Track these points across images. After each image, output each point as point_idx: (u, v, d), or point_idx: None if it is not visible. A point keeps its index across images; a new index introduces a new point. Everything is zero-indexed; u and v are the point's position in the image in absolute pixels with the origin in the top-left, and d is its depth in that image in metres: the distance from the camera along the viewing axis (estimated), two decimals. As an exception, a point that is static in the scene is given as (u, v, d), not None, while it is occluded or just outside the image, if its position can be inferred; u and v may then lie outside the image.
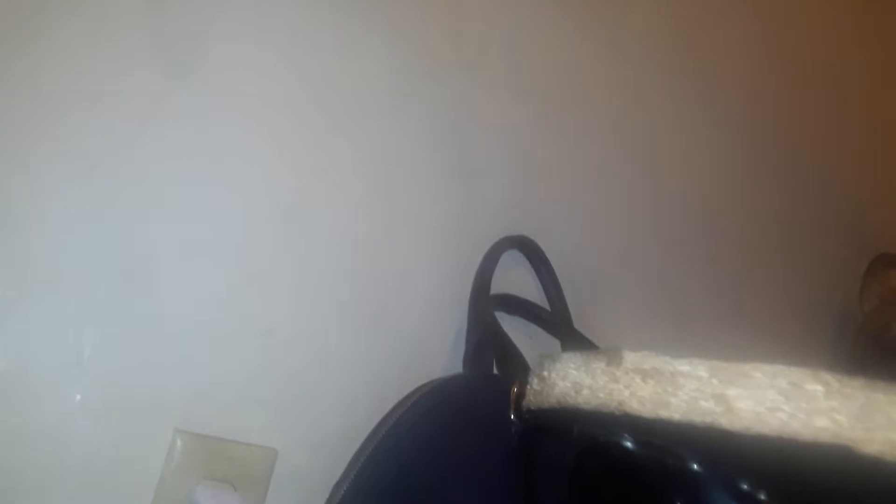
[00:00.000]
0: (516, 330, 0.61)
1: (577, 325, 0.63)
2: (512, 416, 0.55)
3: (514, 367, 0.59)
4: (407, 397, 0.55)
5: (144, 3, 0.51)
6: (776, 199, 0.82)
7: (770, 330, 0.66)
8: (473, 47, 0.65)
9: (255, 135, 0.55)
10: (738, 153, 0.80)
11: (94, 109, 0.49)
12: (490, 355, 0.60)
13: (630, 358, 0.30)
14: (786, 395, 0.27)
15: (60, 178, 0.48)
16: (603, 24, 0.72)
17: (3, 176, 0.46)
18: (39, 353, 0.46)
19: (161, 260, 0.50)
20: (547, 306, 0.63)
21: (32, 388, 0.46)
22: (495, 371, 0.60)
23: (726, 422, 0.28)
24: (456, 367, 0.60)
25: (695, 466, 0.36)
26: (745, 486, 0.35)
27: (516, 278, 0.64)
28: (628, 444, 0.36)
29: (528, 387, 0.35)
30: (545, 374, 0.33)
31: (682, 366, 0.29)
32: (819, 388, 0.27)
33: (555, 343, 0.62)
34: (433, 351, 0.60)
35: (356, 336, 0.57)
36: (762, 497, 0.34)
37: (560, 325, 0.62)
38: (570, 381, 0.31)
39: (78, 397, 0.47)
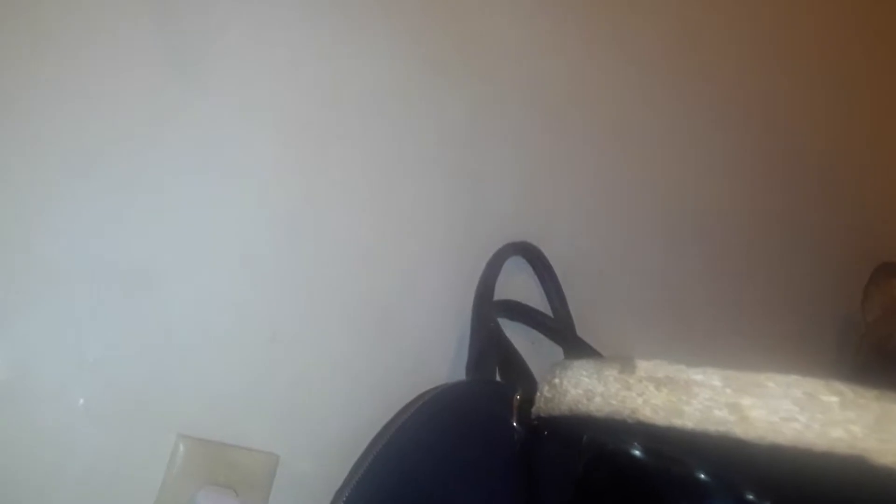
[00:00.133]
0: (519, 336, 0.61)
1: (580, 331, 0.63)
2: (514, 423, 0.55)
3: (517, 373, 0.59)
4: (409, 404, 0.55)
5: (151, 6, 0.51)
6: (780, 206, 0.82)
7: (773, 338, 0.66)
8: (479, 53, 0.65)
9: (261, 139, 0.55)
10: (743, 160, 0.80)
11: (98, 112, 0.49)
12: (493, 362, 0.60)
13: (643, 366, 0.30)
14: (800, 405, 0.27)
15: (64, 180, 0.48)
16: (607, 29, 0.73)
17: (6, 177, 0.46)
18: (43, 357, 0.46)
19: (165, 264, 0.50)
20: (550, 313, 0.63)
21: (35, 392, 0.46)
22: (498, 378, 0.59)
23: (740, 431, 0.28)
24: (459, 373, 0.60)
25: (702, 476, 0.36)
26: (751, 497, 0.35)
27: (520, 284, 0.64)
28: (637, 453, 0.36)
29: (539, 394, 0.35)
30: (556, 381, 0.33)
31: (696, 374, 0.29)
32: (834, 398, 0.27)
33: (557, 350, 0.62)
34: (436, 357, 0.60)
35: (359, 342, 0.57)
36: (768, 505, 0.34)
37: (563, 331, 0.62)
38: (582, 389, 0.31)
39: (81, 401, 0.47)
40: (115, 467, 0.47)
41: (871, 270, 0.74)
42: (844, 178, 0.87)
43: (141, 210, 0.50)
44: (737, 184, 0.79)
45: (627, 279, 0.70)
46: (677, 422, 0.29)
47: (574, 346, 0.61)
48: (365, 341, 0.57)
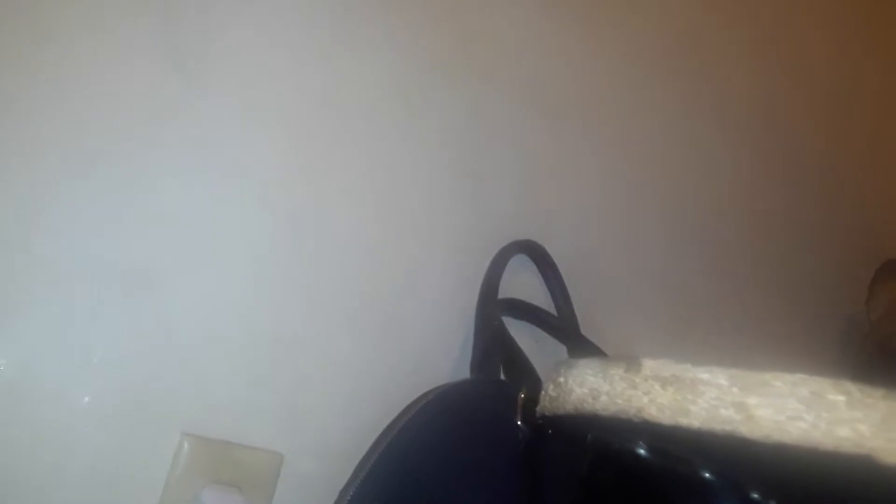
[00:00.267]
0: (523, 335, 0.61)
1: (583, 330, 0.62)
2: (519, 422, 0.55)
3: (521, 372, 0.59)
4: (413, 403, 0.55)
5: (151, 6, 0.51)
6: (784, 206, 0.82)
7: (777, 337, 0.65)
8: (480, 53, 0.65)
9: (262, 138, 0.55)
10: (746, 161, 0.80)
11: (98, 112, 0.49)
12: (497, 360, 0.60)
13: (649, 365, 0.30)
14: (807, 404, 0.27)
15: (64, 180, 0.48)
16: (607, 29, 0.72)
17: (6, 177, 0.46)
18: (46, 357, 0.46)
19: (167, 264, 0.50)
20: (554, 311, 0.63)
21: (39, 391, 0.46)
22: (502, 376, 0.59)
23: (746, 430, 0.28)
24: (463, 372, 0.60)
25: (707, 475, 0.36)
26: (756, 496, 0.35)
27: (524, 283, 0.64)
28: (642, 452, 0.36)
29: (544, 392, 0.35)
30: (561, 380, 0.33)
31: (703, 373, 0.29)
32: (841, 397, 0.27)
33: (561, 348, 0.62)
34: (440, 356, 0.60)
35: (362, 341, 0.57)
36: None
37: (567, 330, 0.62)
38: (588, 388, 0.31)
39: (86, 400, 0.47)
40: (119, 466, 0.47)
41: (875, 269, 0.74)
42: (845, 177, 0.87)
43: (142, 210, 0.50)
44: (738, 183, 0.79)
45: (630, 278, 0.70)
46: (683, 421, 0.28)
47: (578, 344, 0.61)
48: (368, 340, 0.57)
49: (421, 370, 0.59)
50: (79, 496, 0.46)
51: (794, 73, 0.86)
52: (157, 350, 0.49)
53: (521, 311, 0.62)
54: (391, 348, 0.58)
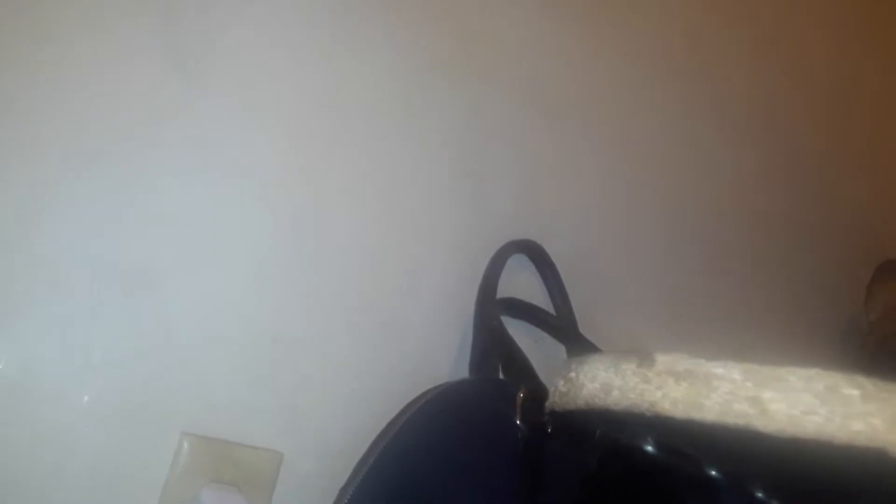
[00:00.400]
0: (522, 334, 0.61)
1: (582, 329, 0.63)
2: (518, 421, 0.55)
3: (520, 371, 0.59)
4: (412, 402, 0.55)
5: (151, 5, 0.51)
6: (782, 205, 0.82)
7: (776, 337, 0.66)
8: (479, 52, 0.65)
9: (262, 138, 0.54)
10: (744, 160, 0.81)
11: (98, 112, 0.49)
12: (495, 360, 0.60)
13: (662, 360, 0.30)
14: (821, 398, 0.27)
15: (64, 180, 0.47)
16: (607, 29, 0.73)
17: (6, 177, 0.46)
18: (45, 357, 0.46)
19: (167, 263, 0.50)
20: (552, 311, 0.63)
21: (39, 391, 0.46)
22: (501, 376, 0.59)
23: (760, 424, 0.28)
24: (462, 371, 0.60)
25: (713, 472, 0.36)
26: (760, 495, 0.35)
27: (522, 282, 0.64)
28: (649, 448, 0.36)
29: (553, 388, 0.35)
30: (572, 375, 0.33)
31: (717, 368, 0.29)
32: (855, 392, 0.27)
33: (560, 348, 0.62)
34: (439, 356, 0.60)
35: (362, 340, 0.57)
36: (775, 504, 0.35)
37: (565, 329, 0.62)
38: (599, 383, 0.31)
39: (86, 399, 0.46)
40: (119, 465, 0.47)
41: (874, 269, 0.74)
42: (845, 177, 0.88)
43: (142, 209, 0.50)
44: (738, 183, 0.80)
45: (629, 277, 0.70)
46: (696, 415, 0.29)
47: (577, 343, 0.61)
48: (367, 340, 0.57)
49: (420, 370, 0.59)
50: (79, 495, 0.45)
51: (794, 73, 0.86)
52: (156, 349, 0.49)
53: (520, 310, 0.62)
54: (390, 348, 0.58)
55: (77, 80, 0.48)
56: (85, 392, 0.47)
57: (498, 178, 0.64)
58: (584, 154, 0.70)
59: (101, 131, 0.48)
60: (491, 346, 0.60)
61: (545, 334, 0.63)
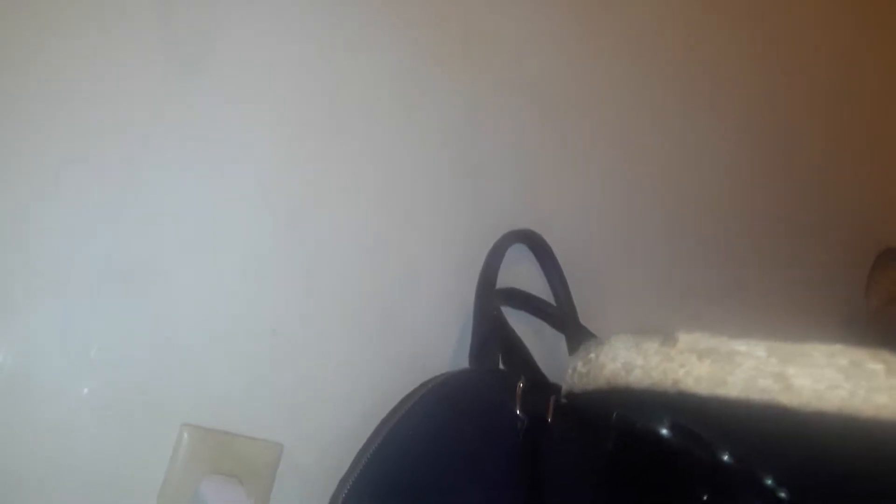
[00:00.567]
0: (522, 324, 0.61)
1: (582, 319, 0.63)
2: (518, 412, 0.55)
3: (520, 361, 0.59)
4: (412, 393, 0.55)
5: (152, 2, 0.50)
6: (781, 193, 0.83)
7: (777, 325, 0.66)
8: (479, 45, 0.65)
9: (262, 135, 0.54)
10: (744, 147, 0.81)
11: (100, 109, 0.48)
12: (495, 350, 0.59)
13: (685, 338, 0.30)
14: (845, 373, 0.27)
15: (65, 178, 0.47)
16: (610, 22, 0.73)
17: (7, 174, 0.45)
18: (47, 348, 0.46)
19: (169, 257, 0.50)
20: (552, 301, 0.63)
21: (39, 384, 0.45)
22: (501, 366, 0.59)
23: (785, 399, 0.28)
24: (462, 362, 0.60)
25: (724, 458, 0.36)
26: (770, 482, 0.35)
27: (522, 273, 0.64)
28: (664, 432, 0.36)
29: (571, 370, 0.35)
30: (592, 356, 0.33)
31: (740, 345, 0.29)
32: (879, 366, 0.27)
33: (560, 338, 0.62)
34: (439, 347, 0.60)
35: (361, 332, 0.57)
36: (782, 495, 0.35)
37: (565, 319, 0.62)
38: (621, 362, 0.31)
39: (86, 391, 0.46)
40: (119, 457, 0.46)
41: (874, 257, 0.75)
42: (844, 167, 0.89)
43: (142, 204, 0.49)
44: (737, 173, 0.80)
45: (630, 266, 0.70)
46: (721, 391, 0.29)
47: (577, 333, 0.61)
48: (367, 331, 0.57)
49: (420, 360, 0.58)
50: (79, 487, 0.45)
51: (796, 65, 0.87)
52: (156, 341, 0.49)
53: (520, 300, 0.62)
54: (390, 339, 0.58)
55: (76, 77, 0.48)
56: (85, 384, 0.46)
57: (497, 170, 0.64)
58: (583, 146, 0.70)
59: (101, 128, 0.48)
60: (491, 336, 0.60)
61: (545, 325, 0.62)
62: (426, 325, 0.60)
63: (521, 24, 0.67)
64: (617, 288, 0.69)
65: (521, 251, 0.64)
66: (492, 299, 0.61)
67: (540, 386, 0.56)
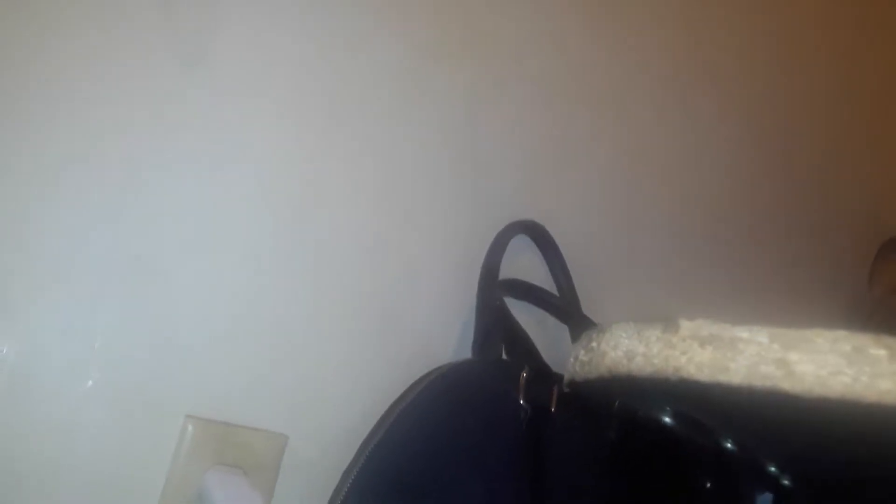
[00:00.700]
0: (525, 315, 0.61)
1: (585, 310, 0.62)
2: (521, 401, 0.55)
3: (523, 352, 0.59)
4: (415, 384, 0.55)
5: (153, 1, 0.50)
6: (784, 184, 0.82)
7: (779, 316, 0.66)
8: (479, 37, 0.65)
9: (262, 135, 0.54)
10: (747, 137, 0.81)
11: (100, 109, 0.48)
12: (498, 341, 0.59)
13: (686, 325, 0.30)
14: (849, 359, 0.27)
15: (70, 172, 0.47)
16: (612, 17, 0.73)
17: (9, 171, 0.46)
18: (51, 340, 0.46)
19: (173, 251, 0.50)
20: (555, 291, 0.63)
21: (45, 375, 0.45)
22: (504, 357, 0.59)
23: (787, 386, 0.28)
24: (465, 353, 0.60)
25: (727, 445, 0.36)
26: (773, 469, 0.35)
27: (525, 264, 0.64)
28: (666, 420, 0.36)
29: (573, 359, 0.35)
30: (593, 344, 0.33)
31: (742, 332, 0.29)
32: (882, 352, 0.27)
33: (563, 329, 0.62)
34: (442, 337, 0.60)
35: (366, 322, 0.57)
36: (785, 482, 0.35)
37: (568, 310, 0.62)
38: (623, 350, 0.31)
39: (90, 383, 0.46)
40: (124, 448, 0.47)
41: (878, 247, 0.74)
42: (846, 159, 0.88)
43: (145, 200, 0.49)
44: (740, 165, 0.80)
45: (632, 257, 0.70)
46: (723, 378, 0.28)
47: (580, 324, 0.61)
48: (370, 323, 0.57)
49: (423, 351, 0.58)
50: (84, 478, 0.45)
51: (798, 59, 0.86)
52: (160, 333, 0.49)
53: (523, 291, 0.62)
54: (394, 330, 0.58)
55: (76, 77, 0.48)
56: (89, 376, 0.46)
57: (497, 169, 0.64)
58: (584, 144, 0.69)
59: (101, 128, 0.48)
60: (493, 326, 0.59)
61: (549, 315, 0.62)
62: (429, 318, 0.60)
63: (520, 22, 0.67)
64: (619, 280, 0.68)
65: (524, 242, 0.64)
66: (495, 290, 0.61)
67: (543, 375, 0.56)
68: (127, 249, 0.48)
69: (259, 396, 0.52)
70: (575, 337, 0.62)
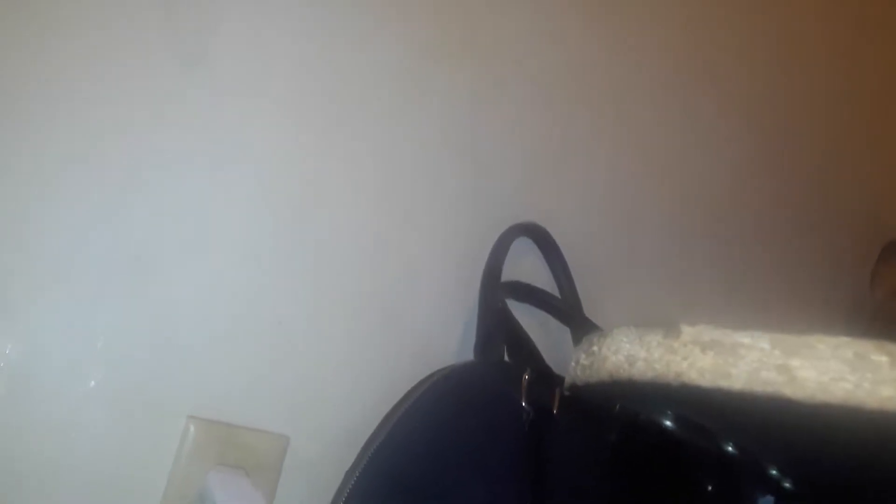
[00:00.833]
0: (527, 317, 0.61)
1: (587, 312, 0.62)
2: (524, 403, 0.55)
3: (525, 354, 0.59)
4: (417, 385, 0.55)
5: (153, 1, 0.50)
6: (786, 186, 0.82)
7: (781, 319, 0.66)
8: (481, 37, 0.65)
9: (263, 135, 0.54)
10: (747, 137, 0.81)
11: (100, 109, 0.48)
12: (500, 343, 0.59)
13: (688, 331, 0.30)
14: (850, 365, 0.27)
15: (68, 175, 0.47)
16: (612, 17, 0.72)
17: (10, 170, 0.45)
18: (54, 341, 0.46)
19: (173, 251, 0.50)
20: (557, 293, 0.63)
21: (47, 375, 0.45)
22: (506, 359, 0.59)
23: (789, 391, 0.28)
24: (466, 353, 0.60)
25: (729, 448, 0.36)
26: (774, 472, 0.35)
27: (527, 266, 0.63)
28: (667, 423, 0.36)
29: (574, 363, 0.35)
30: (594, 348, 0.33)
31: (743, 338, 0.29)
32: (884, 358, 0.27)
33: (565, 331, 0.62)
34: (443, 337, 0.60)
35: (368, 323, 0.57)
36: (787, 485, 0.35)
37: (570, 312, 0.62)
38: (623, 355, 0.31)
39: (92, 383, 0.46)
40: (126, 449, 0.47)
41: (880, 250, 0.74)
42: (848, 161, 0.88)
43: (145, 200, 0.49)
44: (742, 166, 0.80)
45: (634, 259, 0.70)
46: (724, 383, 0.29)
47: (582, 326, 0.61)
48: (372, 324, 0.57)
49: (424, 351, 0.59)
50: (84, 479, 0.45)
51: (800, 58, 0.86)
52: (162, 334, 0.49)
53: (524, 293, 0.62)
54: (395, 331, 0.58)
55: (76, 77, 0.48)
56: (91, 376, 0.46)
57: (498, 169, 0.64)
58: (585, 144, 0.69)
59: (101, 128, 0.48)
60: (496, 328, 0.59)
61: (551, 317, 0.62)
62: (431, 319, 0.60)
63: (520, 22, 0.67)
64: (619, 279, 0.68)
65: (526, 246, 0.64)
66: (496, 292, 0.61)
67: (545, 377, 0.56)
68: (127, 249, 0.48)
69: (260, 397, 0.52)
70: (577, 339, 0.62)
